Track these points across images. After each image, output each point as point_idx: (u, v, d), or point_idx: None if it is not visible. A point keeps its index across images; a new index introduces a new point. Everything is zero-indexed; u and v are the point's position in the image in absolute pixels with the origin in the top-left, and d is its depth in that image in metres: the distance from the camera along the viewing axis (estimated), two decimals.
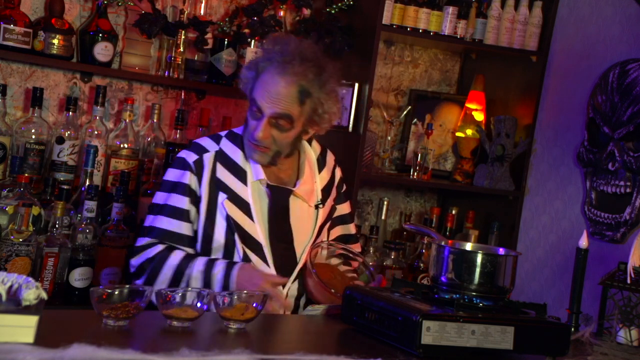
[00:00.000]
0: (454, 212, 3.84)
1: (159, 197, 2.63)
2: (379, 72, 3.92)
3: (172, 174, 2.64)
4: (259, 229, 2.57)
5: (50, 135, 3.22)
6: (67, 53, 3.23)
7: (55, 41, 3.18)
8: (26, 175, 3.04)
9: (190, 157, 2.62)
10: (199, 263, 2.51)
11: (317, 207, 2.68)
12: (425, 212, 4.07)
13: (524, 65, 3.78)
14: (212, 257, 2.56)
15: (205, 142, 2.66)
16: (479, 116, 3.83)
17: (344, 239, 2.80)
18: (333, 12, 3.56)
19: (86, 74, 3.38)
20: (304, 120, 2.58)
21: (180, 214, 2.58)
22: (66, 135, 3.21)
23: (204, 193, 2.58)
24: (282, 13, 3.57)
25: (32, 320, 1.70)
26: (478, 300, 2.14)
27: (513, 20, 3.73)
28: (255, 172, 2.59)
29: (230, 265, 2.49)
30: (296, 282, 2.58)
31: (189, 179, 2.59)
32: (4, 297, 1.76)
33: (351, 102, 3.49)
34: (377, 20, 3.46)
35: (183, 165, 2.62)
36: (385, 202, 3.89)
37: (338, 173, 2.82)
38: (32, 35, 3.15)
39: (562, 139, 3.67)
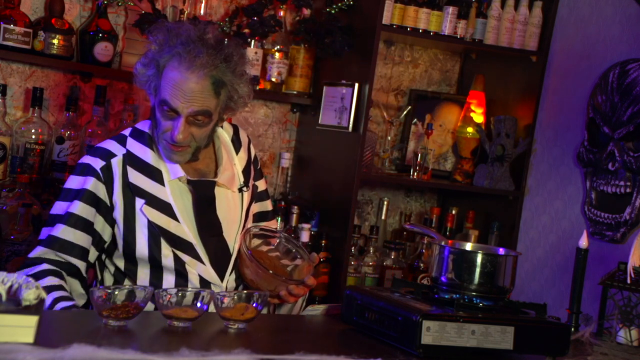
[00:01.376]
0: (454, 212, 3.84)
1: (59, 207, 2.43)
2: (379, 72, 3.92)
3: (74, 182, 2.44)
4: (186, 228, 2.44)
5: (50, 135, 3.22)
6: (67, 53, 3.23)
7: (55, 41, 3.18)
8: (26, 175, 3.04)
9: (96, 163, 2.43)
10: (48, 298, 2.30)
11: (240, 190, 2.56)
12: (425, 212, 4.08)
13: (524, 65, 3.78)
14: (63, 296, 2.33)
15: (110, 145, 2.47)
16: (479, 118, 3.83)
17: (262, 216, 2.67)
18: (333, 12, 3.56)
19: (86, 74, 3.38)
20: (220, 110, 2.44)
21: (82, 224, 2.40)
22: (66, 135, 3.21)
23: (118, 201, 2.41)
24: (282, 13, 3.57)
25: (32, 320, 1.70)
26: (478, 300, 2.14)
27: (513, 20, 3.73)
28: (172, 170, 2.45)
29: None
30: (233, 274, 2.49)
31: (95, 186, 2.41)
32: (4, 297, 1.76)
33: (351, 102, 3.49)
34: (377, 20, 3.46)
35: (87, 171, 2.43)
36: (385, 202, 3.89)
37: (253, 150, 2.68)
38: (32, 35, 3.15)
39: (562, 139, 3.67)
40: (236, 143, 2.62)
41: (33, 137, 3.17)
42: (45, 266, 2.37)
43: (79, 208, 2.40)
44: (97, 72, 3.35)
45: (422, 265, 3.65)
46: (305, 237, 3.46)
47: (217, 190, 2.51)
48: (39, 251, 2.40)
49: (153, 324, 2.04)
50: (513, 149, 3.74)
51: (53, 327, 1.89)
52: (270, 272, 2.41)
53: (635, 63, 3.40)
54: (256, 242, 2.56)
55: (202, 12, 3.44)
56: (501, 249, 2.28)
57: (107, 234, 2.44)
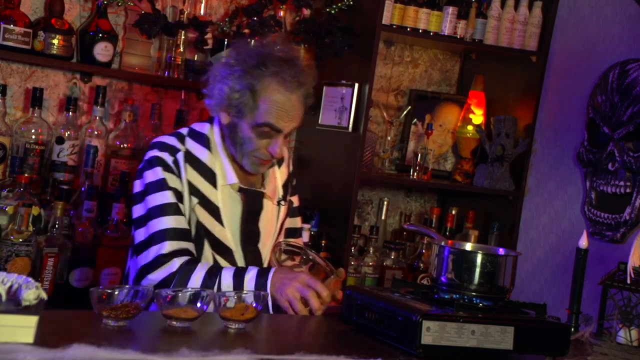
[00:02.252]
0: (454, 212, 3.84)
1: (152, 200, 2.46)
2: (379, 72, 3.92)
3: (152, 175, 2.49)
4: (229, 234, 2.50)
5: (50, 136, 3.22)
6: (67, 53, 3.23)
7: (55, 41, 3.18)
8: (26, 175, 3.04)
9: (167, 157, 2.49)
10: (226, 273, 2.39)
11: (279, 204, 2.63)
12: (425, 212, 4.07)
13: (524, 65, 3.78)
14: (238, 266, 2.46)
15: (172, 141, 2.52)
16: (478, 119, 3.83)
17: (292, 232, 2.73)
18: (333, 12, 3.56)
19: (86, 74, 3.38)
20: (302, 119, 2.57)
21: (177, 210, 2.45)
22: (66, 135, 3.21)
23: (185, 195, 2.48)
24: (282, 13, 3.57)
25: (32, 321, 1.70)
26: (478, 300, 2.14)
27: (513, 21, 3.73)
28: (227, 175, 2.52)
29: (262, 270, 2.40)
30: None
31: (171, 179, 2.47)
32: (4, 297, 1.76)
33: (351, 102, 3.49)
34: (377, 20, 3.46)
35: (158, 162, 2.48)
36: (385, 202, 3.89)
37: (291, 166, 2.77)
38: (32, 35, 3.15)
39: (562, 139, 3.67)
40: (280, 158, 2.70)
41: (33, 137, 3.17)
42: (178, 260, 2.40)
43: (170, 196, 2.45)
44: (97, 72, 3.35)
45: (422, 265, 3.64)
46: (305, 237, 3.45)
47: (264, 202, 2.59)
48: (166, 246, 2.41)
49: (153, 324, 2.04)
50: (513, 149, 3.74)
51: (53, 327, 1.89)
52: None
53: (635, 63, 3.40)
54: (283, 257, 2.60)
55: (202, 12, 3.44)
56: (501, 249, 2.28)
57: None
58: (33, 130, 3.17)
